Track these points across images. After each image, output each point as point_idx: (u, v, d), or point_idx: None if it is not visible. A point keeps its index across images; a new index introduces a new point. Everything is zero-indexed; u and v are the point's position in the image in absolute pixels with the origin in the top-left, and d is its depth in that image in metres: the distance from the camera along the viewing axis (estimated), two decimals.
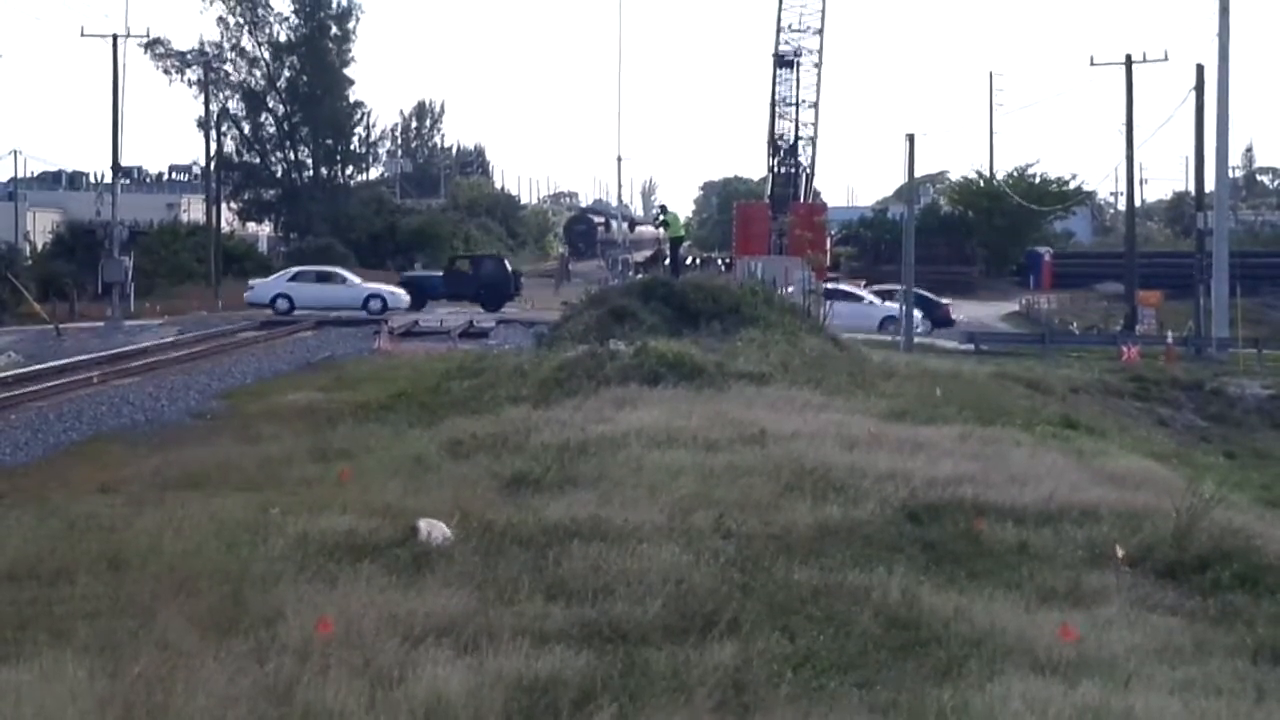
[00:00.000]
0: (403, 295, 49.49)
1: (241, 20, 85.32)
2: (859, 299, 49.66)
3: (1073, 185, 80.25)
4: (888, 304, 49.15)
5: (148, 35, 66.04)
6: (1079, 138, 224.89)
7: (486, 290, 50.59)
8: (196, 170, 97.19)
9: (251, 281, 52.62)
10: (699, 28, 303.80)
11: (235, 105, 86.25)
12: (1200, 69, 48.48)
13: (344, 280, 50.52)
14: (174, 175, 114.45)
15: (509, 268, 53.78)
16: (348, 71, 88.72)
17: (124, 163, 59.84)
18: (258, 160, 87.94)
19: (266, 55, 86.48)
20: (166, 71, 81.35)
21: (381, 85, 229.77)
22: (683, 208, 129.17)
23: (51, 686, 7.81)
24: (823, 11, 50.80)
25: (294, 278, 50.63)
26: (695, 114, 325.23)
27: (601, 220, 74.31)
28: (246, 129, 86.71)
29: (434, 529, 11.89)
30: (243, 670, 8.21)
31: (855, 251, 72.42)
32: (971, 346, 45.15)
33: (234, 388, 29.56)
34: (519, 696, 7.92)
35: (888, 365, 29.79)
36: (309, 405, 24.54)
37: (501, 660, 8.44)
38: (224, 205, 74.53)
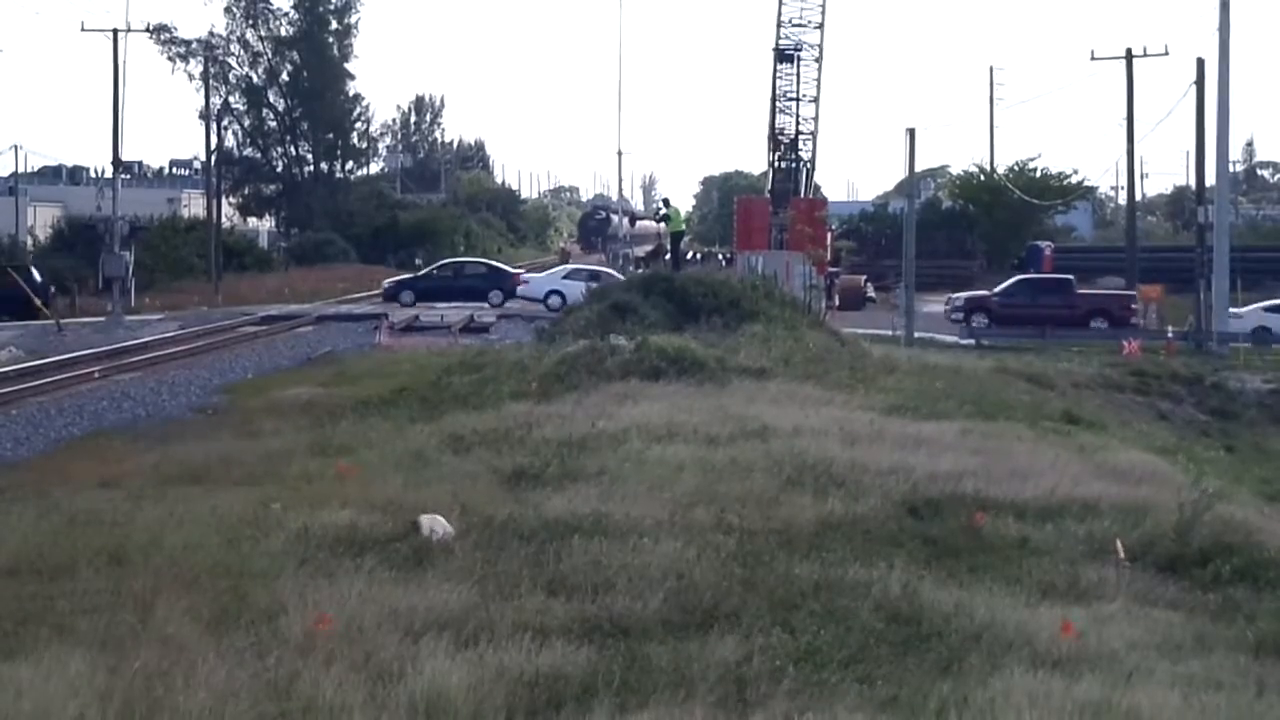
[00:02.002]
0: None
1: (243, 13, 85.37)
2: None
3: (1074, 180, 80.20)
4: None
5: (149, 26, 65.95)
6: (1079, 132, 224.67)
7: None
8: (197, 165, 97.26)
9: (524, 276, 53.68)
10: (699, 22, 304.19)
11: (236, 99, 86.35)
12: (1201, 63, 48.44)
13: (614, 279, 50.80)
14: (174, 170, 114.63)
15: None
16: (348, 66, 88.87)
17: (125, 158, 59.80)
18: (258, 155, 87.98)
19: (268, 49, 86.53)
20: (170, 59, 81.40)
21: (381, 80, 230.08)
22: (683, 202, 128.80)
23: (52, 681, 7.81)
24: (823, 6, 50.64)
25: (567, 275, 51.20)
26: (696, 108, 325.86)
27: (626, 216, 74.91)
28: (247, 123, 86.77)
29: (435, 524, 11.89)
30: (243, 665, 8.21)
31: (856, 246, 72.29)
32: (972, 341, 45.12)
33: (235, 382, 29.56)
34: (520, 691, 7.92)
35: (889, 360, 29.77)
36: (310, 400, 24.53)
37: (502, 655, 8.44)
38: (224, 200, 74.53)
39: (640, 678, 8.18)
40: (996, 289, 52.56)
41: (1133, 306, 49.79)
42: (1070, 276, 53.59)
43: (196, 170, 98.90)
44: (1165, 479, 15.35)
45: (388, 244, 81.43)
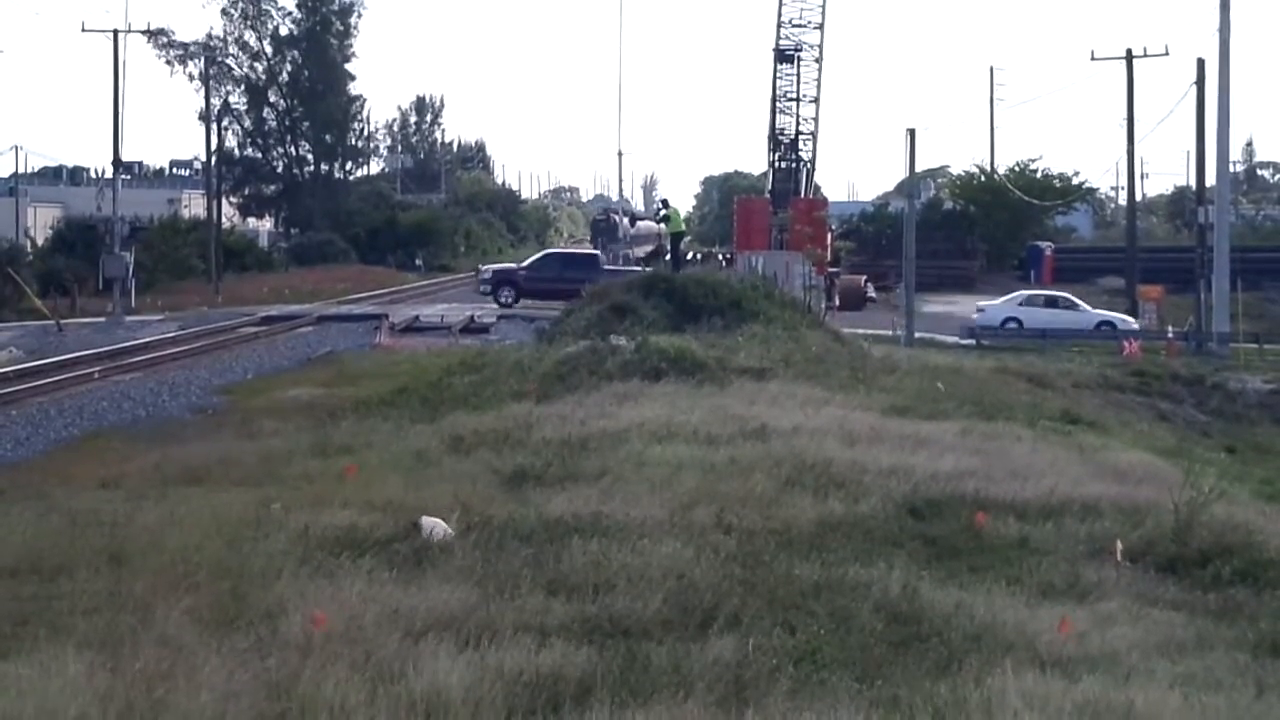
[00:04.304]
0: (1130, 321, 48.77)
1: (244, 14, 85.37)
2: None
3: (1074, 181, 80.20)
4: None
5: (148, 29, 65.84)
6: (1080, 132, 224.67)
7: None
8: (197, 165, 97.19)
9: (980, 304, 52.71)
10: (700, 22, 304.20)
11: (237, 99, 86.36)
12: (1201, 63, 48.41)
13: (1073, 306, 50.56)
14: (175, 171, 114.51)
15: None
16: (349, 67, 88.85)
17: (125, 158, 59.67)
18: (259, 155, 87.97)
19: (268, 49, 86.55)
20: (169, 63, 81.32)
21: (382, 80, 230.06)
22: (683, 203, 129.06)
23: (52, 681, 7.81)
24: (823, 6, 50.68)
25: (1023, 302, 50.81)
26: (696, 109, 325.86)
27: (626, 217, 75.12)
28: (248, 123, 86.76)
29: (435, 527, 11.89)
30: (243, 665, 8.21)
31: (856, 246, 72.27)
32: (973, 342, 45.12)
33: (235, 383, 29.56)
34: (519, 691, 7.93)
35: (889, 361, 29.77)
36: (310, 400, 24.54)
37: (502, 655, 8.44)
38: (224, 200, 74.52)
39: (640, 678, 8.18)
40: (523, 263, 52.48)
41: None
42: (597, 253, 53.76)
43: (196, 171, 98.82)
44: (1165, 479, 15.34)
45: (388, 244, 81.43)
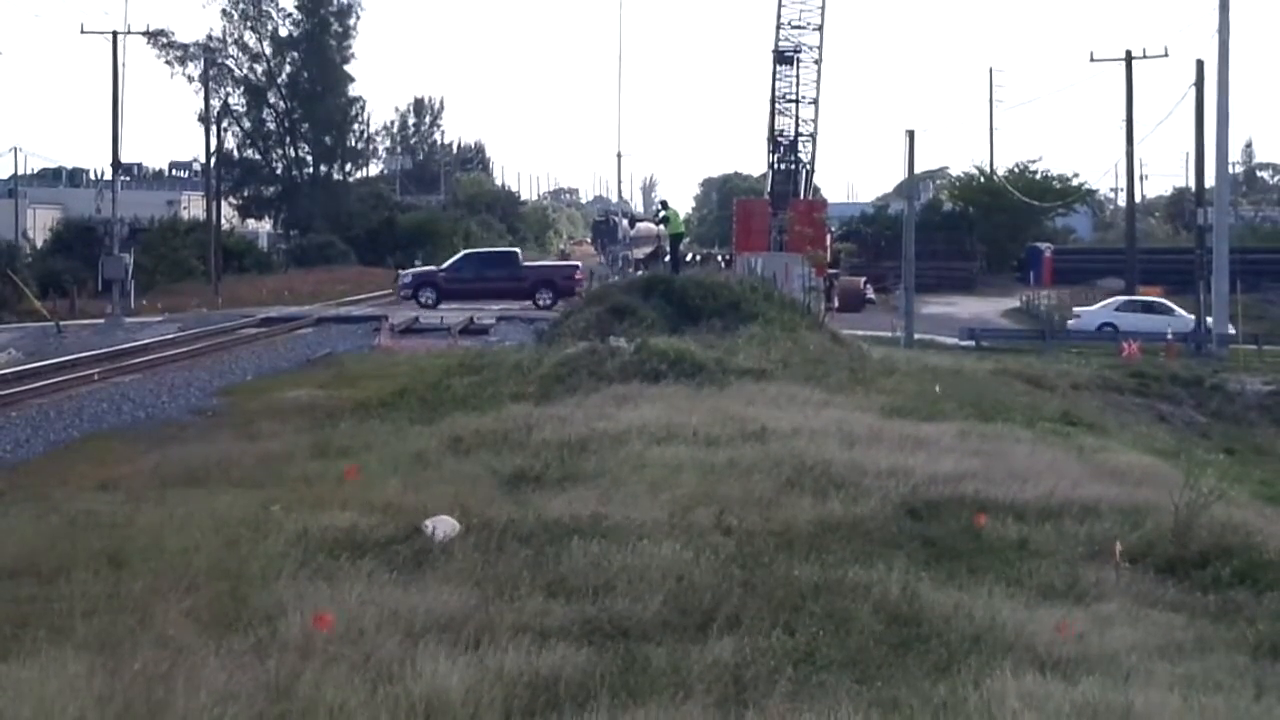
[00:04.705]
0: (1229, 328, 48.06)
1: (244, 14, 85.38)
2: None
3: (1074, 182, 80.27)
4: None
5: (147, 30, 65.85)
6: (1079, 133, 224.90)
7: None
8: (197, 167, 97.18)
9: (1077, 310, 52.73)
10: (699, 24, 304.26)
11: (236, 100, 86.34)
12: (1200, 65, 48.48)
13: (1168, 310, 50.48)
14: (174, 172, 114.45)
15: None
16: (348, 68, 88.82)
17: (124, 159, 59.76)
18: (258, 157, 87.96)
19: (268, 50, 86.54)
20: (169, 63, 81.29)
21: (381, 82, 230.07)
22: (683, 204, 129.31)
23: (51, 683, 7.80)
24: (823, 8, 50.71)
25: (1119, 307, 50.84)
26: (695, 110, 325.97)
27: (625, 219, 75.30)
28: (247, 124, 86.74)
29: (440, 524, 11.90)
30: (243, 667, 8.21)
31: (855, 248, 72.32)
32: (972, 343, 45.14)
33: (234, 384, 29.54)
34: (519, 693, 7.93)
35: (888, 362, 29.78)
36: (309, 402, 24.52)
37: (502, 656, 8.44)
38: (224, 202, 74.50)
39: (639, 679, 8.19)
40: (444, 264, 52.56)
41: (578, 276, 49.95)
42: (516, 250, 54.41)
43: (196, 172, 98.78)
44: (1164, 480, 15.34)
45: (387, 246, 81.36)
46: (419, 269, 54.44)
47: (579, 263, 54.77)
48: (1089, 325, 49.15)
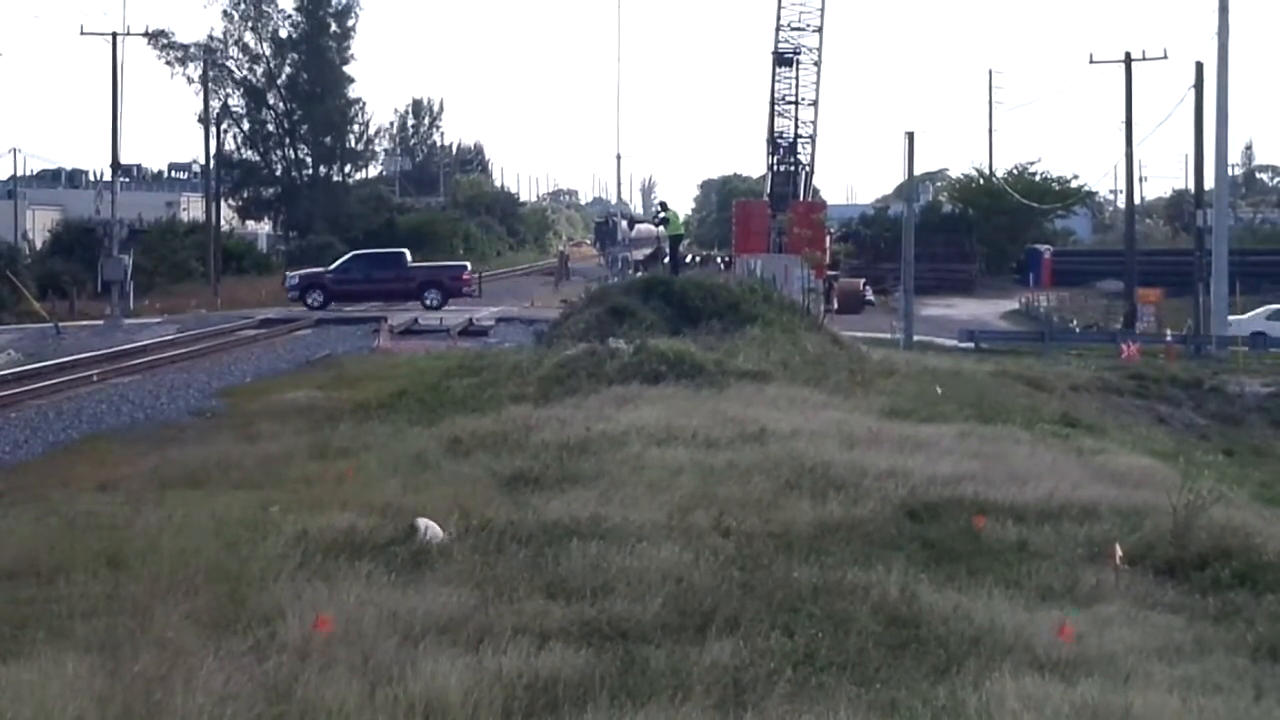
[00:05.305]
0: None
1: (242, 16, 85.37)
2: None
3: (1073, 184, 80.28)
4: None
5: (147, 31, 65.84)
6: (1078, 135, 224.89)
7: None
8: (196, 168, 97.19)
9: (1230, 317, 50.84)
10: (698, 26, 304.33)
11: (236, 101, 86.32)
12: (1200, 67, 48.48)
13: None
14: (173, 173, 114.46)
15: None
16: (347, 69, 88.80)
17: (123, 161, 59.73)
18: (257, 158, 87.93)
19: (268, 51, 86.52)
20: (169, 64, 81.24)
21: (380, 83, 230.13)
22: (682, 206, 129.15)
23: (51, 684, 7.80)
24: (822, 10, 50.78)
25: (1270, 316, 49.91)
26: (695, 112, 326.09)
27: (627, 220, 75.52)
28: (246, 126, 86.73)
29: (430, 529, 11.90)
30: (242, 668, 8.21)
31: (854, 249, 72.36)
32: (971, 345, 45.15)
33: (233, 386, 29.52)
34: (518, 694, 7.92)
35: (888, 364, 29.78)
36: (309, 403, 24.50)
37: (501, 658, 8.44)
38: (223, 203, 74.50)
39: (638, 681, 8.18)
40: (331, 265, 52.55)
41: (464, 277, 50.39)
42: (404, 250, 54.07)
43: (195, 173, 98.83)
44: (1164, 482, 15.35)
45: (386, 247, 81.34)
46: (306, 270, 54.31)
47: (467, 264, 54.70)
48: (1242, 332, 48.57)
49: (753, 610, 9.68)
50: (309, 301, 48.40)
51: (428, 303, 47.36)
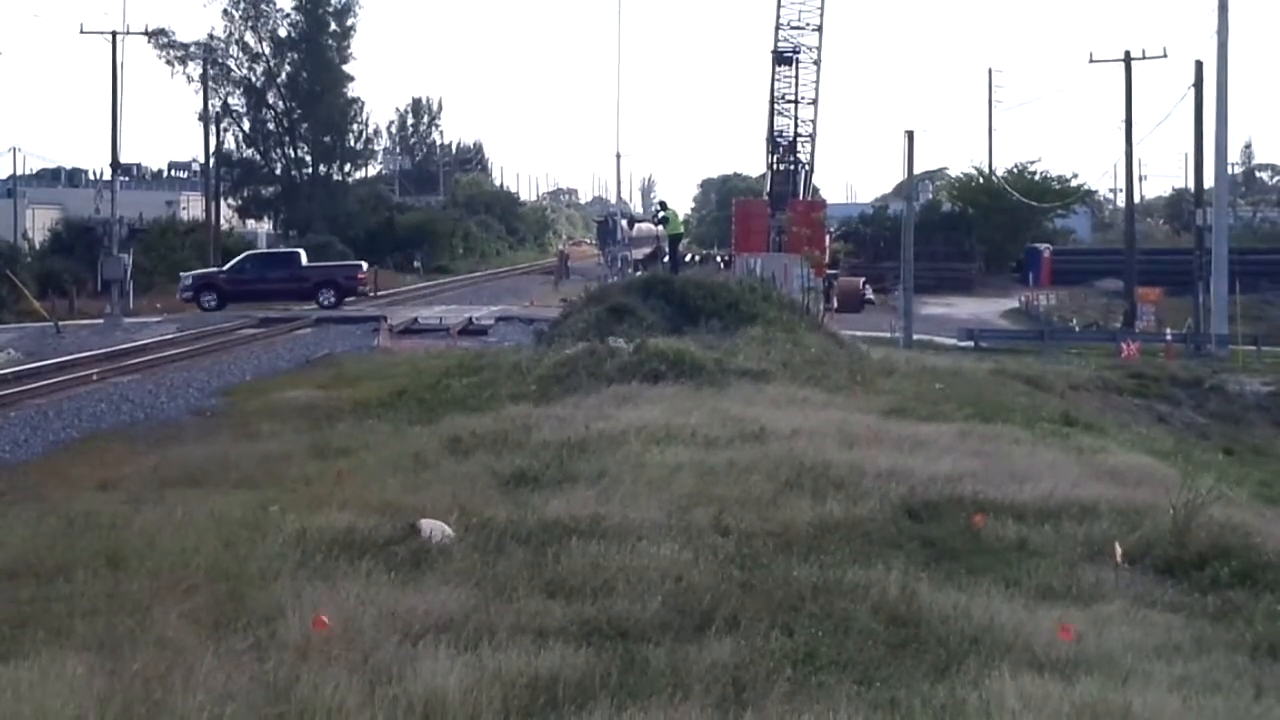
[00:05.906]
0: None
1: (242, 15, 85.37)
2: None
3: (1073, 183, 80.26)
4: None
5: (147, 30, 65.78)
6: (1078, 134, 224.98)
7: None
8: (196, 167, 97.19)
9: None
10: (698, 25, 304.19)
11: (236, 100, 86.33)
12: (1199, 65, 48.50)
13: None
14: (173, 172, 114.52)
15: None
16: (347, 69, 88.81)
17: (123, 160, 59.77)
18: (257, 157, 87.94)
19: (268, 50, 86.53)
20: (169, 63, 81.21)
21: (380, 82, 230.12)
22: (682, 205, 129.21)
23: (50, 684, 7.80)
24: (822, 9, 50.72)
25: None
26: (694, 111, 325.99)
27: (626, 220, 75.66)
28: (246, 125, 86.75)
29: (435, 529, 11.89)
30: (241, 667, 8.21)
31: (854, 248, 72.32)
32: (971, 343, 45.15)
33: (233, 385, 29.54)
34: (518, 693, 7.92)
35: (887, 363, 29.79)
36: (308, 402, 24.51)
37: (500, 657, 8.44)
38: (223, 202, 74.50)
39: (638, 680, 8.18)
40: (224, 266, 52.85)
41: (359, 276, 50.73)
42: (299, 250, 54.26)
43: (195, 172, 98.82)
44: (1163, 481, 15.34)
45: (386, 246, 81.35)
46: (200, 271, 54.47)
47: (363, 263, 54.80)
48: None
49: (752, 609, 9.67)
50: (203, 302, 48.50)
51: (323, 302, 47.60)
